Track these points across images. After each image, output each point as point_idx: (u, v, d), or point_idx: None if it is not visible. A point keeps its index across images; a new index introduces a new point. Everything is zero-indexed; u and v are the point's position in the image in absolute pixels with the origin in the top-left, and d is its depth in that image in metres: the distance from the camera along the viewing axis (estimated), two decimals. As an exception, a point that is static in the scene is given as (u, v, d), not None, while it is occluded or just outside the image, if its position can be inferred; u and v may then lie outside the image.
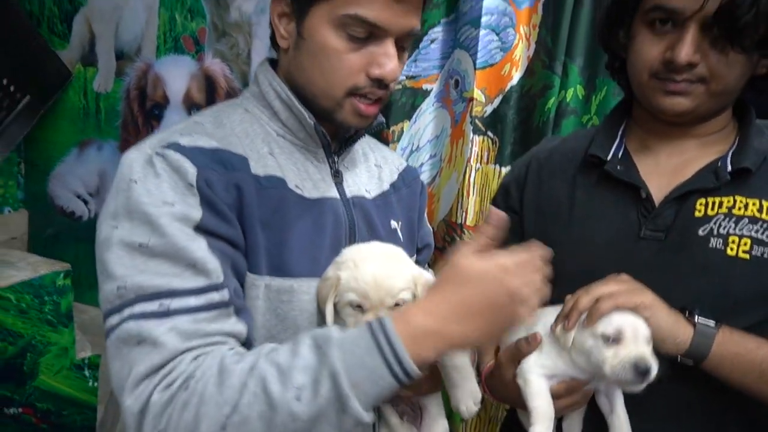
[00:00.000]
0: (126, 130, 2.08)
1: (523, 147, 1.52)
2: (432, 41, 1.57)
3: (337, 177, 0.90)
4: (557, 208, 1.00)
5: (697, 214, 0.88)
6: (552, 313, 0.88)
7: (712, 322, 0.82)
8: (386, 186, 0.98)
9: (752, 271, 0.84)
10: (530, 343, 0.87)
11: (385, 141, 1.60)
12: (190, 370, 0.67)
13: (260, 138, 0.84)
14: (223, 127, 0.82)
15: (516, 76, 1.49)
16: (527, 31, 1.48)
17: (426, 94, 1.61)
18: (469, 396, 0.83)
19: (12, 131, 2.03)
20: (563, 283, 0.95)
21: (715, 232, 0.86)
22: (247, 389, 0.65)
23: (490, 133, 1.53)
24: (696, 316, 0.83)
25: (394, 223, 0.96)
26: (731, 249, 0.85)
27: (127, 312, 0.69)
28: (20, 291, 1.66)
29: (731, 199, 0.87)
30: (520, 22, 1.47)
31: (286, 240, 0.80)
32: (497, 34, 1.48)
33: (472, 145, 1.52)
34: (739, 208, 0.86)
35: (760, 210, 0.86)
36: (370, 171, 0.98)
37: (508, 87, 1.50)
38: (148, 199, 0.71)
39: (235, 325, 0.73)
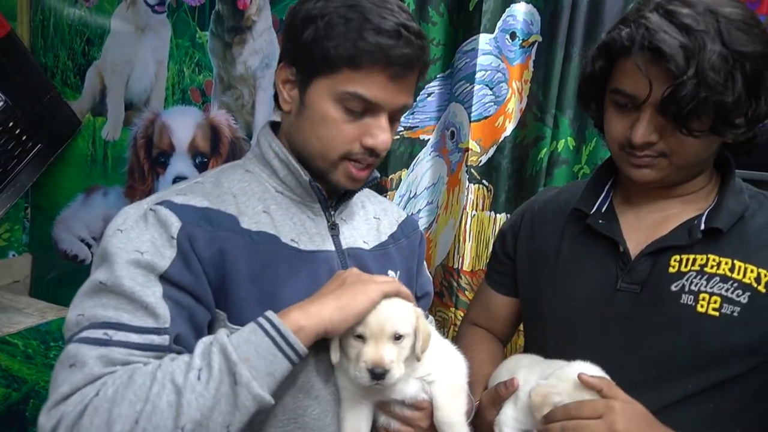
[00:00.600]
0: (132, 176, 2.15)
1: (516, 195, 1.58)
2: (429, 95, 1.65)
3: (334, 230, 0.96)
4: (545, 258, 1.05)
5: (671, 270, 0.90)
6: (533, 363, 0.94)
7: None
8: (385, 237, 1.04)
9: (721, 329, 0.86)
10: (508, 388, 0.92)
11: (383, 188, 1.67)
12: (100, 383, 0.73)
13: (257, 197, 0.91)
14: (220, 186, 0.91)
15: (509, 128, 1.56)
16: (519, 85, 1.56)
17: (423, 144, 1.68)
18: None
19: (22, 178, 2.09)
20: (546, 330, 1.03)
21: (687, 288, 0.88)
22: (156, 381, 0.72)
23: (485, 182, 1.59)
24: None
25: (392, 273, 1.01)
26: (701, 306, 0.87)
27: (76, 337, 0.75)
28: (27, 337, 1.69)
29: (704, 257, 0.89)
30: (512, 77, 1.55)
31: (280, 292, 0.85)
32: (491, 89, 1.56)
33: (467, 193, 1.58)
34: (712, 267, 0.88)
35: (731, 269, 0.88)
36: (369, 223, 1.03)
37: (501, 138, 1.57)
38: (123, 246, 0.80)
39: None
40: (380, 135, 0.87)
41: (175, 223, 0.81)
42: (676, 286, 0.89)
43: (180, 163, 2.06)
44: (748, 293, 0.86)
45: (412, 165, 1.68)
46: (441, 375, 0.90)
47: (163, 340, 0.78)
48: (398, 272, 1.01)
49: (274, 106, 0.96)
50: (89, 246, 2.25)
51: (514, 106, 1.56)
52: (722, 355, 0.86)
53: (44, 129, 2.10)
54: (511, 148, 1.57)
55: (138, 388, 0.72)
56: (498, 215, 1.59)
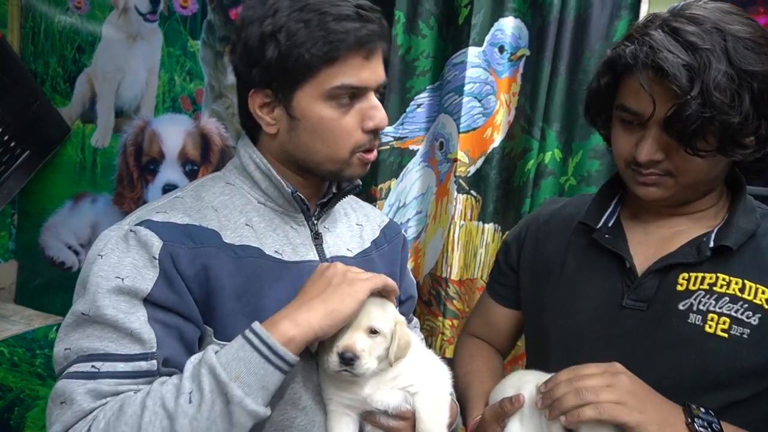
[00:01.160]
0: (121, 183, 2.14)
1: (504, 205, 1.61)
2: (419, 106, 1.67)
3: (317, 239, 0.96)
4: (549, 271, 1.03)
5: (678, 287, 0.88)
6: (538, 378, 0.89)
7: (713, 421, 0.80)
8: (368, 244, 1.05)
9: (730, 350, 0.83)
10: (513, 404, 0.89)
11: (373, 198, 1.68)
12: (91, 418, 0.74)
13: (238, 209, 0.91)
14: (201, 200, 0.90)
15: (497, 140, 1.59)
16: (507, 98, 1.59)
17: (412, 154, 1.70)
18: None
19: (9, 185, 2.08)
20: (549, 345, 1.00)
21: (695, 307, 0.86)
22: (146, 409, 0.72)
23: (473, 192, 1.61)
24: (696, 425, 0.79)
25: None
26: (709, 326, 0.84)
27: (65, 372, 0.76)
28: (14, 345, 1.68)
29: (714, 276, 0.87)
30: (500, 90, 1.58)
31: (265, 305, 0.85)
32: (479, 101, 1.58)
33: (456, 203, 1.60)
34: (721, 286, 0.86)
35: (742, 290, 0.85)
36: (352, 230, 1.04)
37: (490, 149, 1.59)
38: (104, 272, 0.79)
39: None
40: (377, 114, 0.88)
41: (155, 243, 0.81)
42: (683, 305, 0.87)
43: (169, 171, 2.06)
44: (759, 315, 0.83)
45: (401, 175, 1.70)
46: (424, 387, 0.91)
47: (151, 365, 0.78)
48: None
49: (244, 134, 0.97)
50: (77, 253, 2.24)
51: (502, 118, 1.59)
52: (730, 377, 0.84)
53: (33, 135, 2.09)
54: (499, 159, 1.59)
55: (129, 418, 0.72)
56: (486, 225, 1.61)
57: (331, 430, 0.90)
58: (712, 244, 0.87)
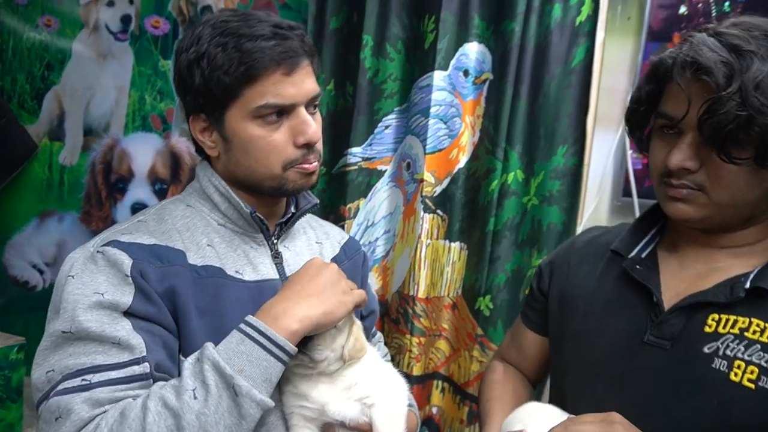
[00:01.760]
0: (88, 202, 2.13)
1: (470, 224, 1.64)
2: (386, 127, 1.71)
3: (277, 258, 0.98)
4: (576, 299, 0.98)
5: (707, 329, 0.81)
6: (547, 414, 0.88)
7: None
8: (327, 261, 1.07)
9: (756, 402, 0.76)
10: None
11: (341, 217, 1.71)
12: (93, 427, 0.73)
13: (200, 231, 0.93)
14: (164, 222, 0.92)
15: (463, 160, 1.63)
16: (472, 120, 1.64)
17: (380, 174, 1.73)
18: None
19: (-27, 202, 2.05)
20: (567, 377, 0.97)
21: (721, 352, 0.79)
22: (149, 411, 0.73)
23: (439, 212, 1.65)
24: None
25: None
26: (735, 374, 0.77)
27: (52, 393, 0.75)
28: (-28, 365, 1.64)
29: (747, 320, 0.79)
30: (465, 112, 1.63)
31: (226, 324, 0.86)
32: (445, 123, 1.63)
33: (423, 222, 1.63)
34: (754, 332, 0.78)
35: None
36: (312, 248, 1.06)
37: (455, 170, 1.63)
38: (79, 291, 0.80)
39: None
40: (307, 129, 0.90)
41: (126, 261, 0.82)
42: (709, 348, 0.80)
43: (139, 190, 2.05)
44: None
45: (369, 194, 1.73)
46: (380, 399, 0.93)
47: (144, 368, 0.79)
48: None
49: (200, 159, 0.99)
50: (41, 272, 2.20)
51: (467, 139, 1.63)
52: (752, 430, 0.77)
53: (-1, 152, 2.07)
54: (464, 179, 1.63)
55: (132, 421, 0.72)
56: (452, 244, 1.65)
57: None
58: (748, 285, 0.79)
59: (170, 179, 2.01)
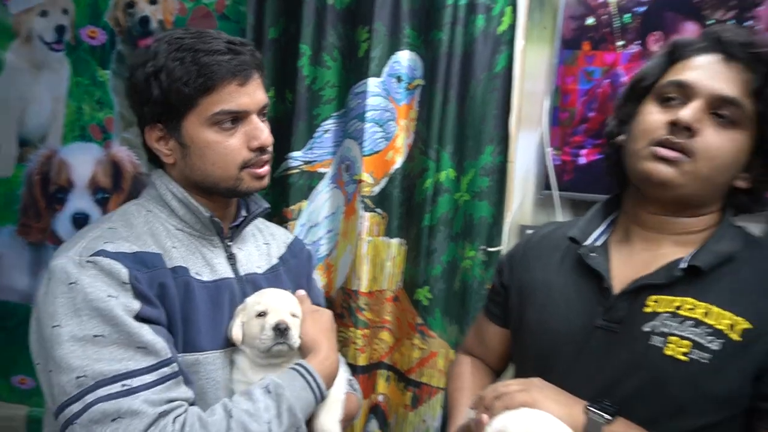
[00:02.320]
0: (26, 214, 2.09)
1: (408, 221, 1.75)
2: (326, 131, 1.79)
3: (231, 259, 1.05)
4: (534, 290, 1.03)
5: (646, 309, 0.87)
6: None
7: (607, 415, 0.82)
8: (275, 260, 1.14)
9: (689, 374, 0.81)
10: (477, 426, 0.88)
11: (285, 219, 1.77)
12: (177, 427, 0.81)
13: (163, 235, 0.98)
14: (133, 227, 0.96)
15: (399, 161, 1.73)
16: (406, 123, 1.74)
17: (321, 176, 1.81)
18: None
19: None
20: (526, 364, 1.02)
21: (658, 330, 0.85)
22: (231, 430, 0.84)
23: (378, 210, 1.74)
24: (590, 408, 0.83)
25: (301, 292, 1.11)
26: (669, 348, 0.83)
27: (90, 397, 0.80)
28: None
29: (682, 299, 0.85)
30: (399, 116, 1.73)
31: (194, 320, 0.94)
32: (381, 126, 1.73)
33: (363, 221, 1.72)
34: (687, 309, 0.84)
35: (707, 314, 0.83)
36: (260, 249, 1.13)
37: (392, 170, 1.73)
38: (94, 295, 0.84)
39: (186, 392, 0.88)
40: (260, 134, 0.98)
41: (122, 270, 0.87)
42: (648, 327, 0.86)
43: (79, 200, 2.04)
44: (721, 341, 0.81)
45: (311, 196, 1.81)
46: None
47: (173, 368, 0.87)
48: (289, 290, 1.11)
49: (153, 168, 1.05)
50: (-24, 288, 2.15)
51: (402, 141, 1.74)
52: (691, 402, 0.82)
53: (-72, 166, 2.01)
54: (401, 179, 1.74)
55: (212, 425, 0.85)
56: (392, 240, 1.74)
57: None
58: (684, 265, 0.86)
59: (112, 188, 2.02)
